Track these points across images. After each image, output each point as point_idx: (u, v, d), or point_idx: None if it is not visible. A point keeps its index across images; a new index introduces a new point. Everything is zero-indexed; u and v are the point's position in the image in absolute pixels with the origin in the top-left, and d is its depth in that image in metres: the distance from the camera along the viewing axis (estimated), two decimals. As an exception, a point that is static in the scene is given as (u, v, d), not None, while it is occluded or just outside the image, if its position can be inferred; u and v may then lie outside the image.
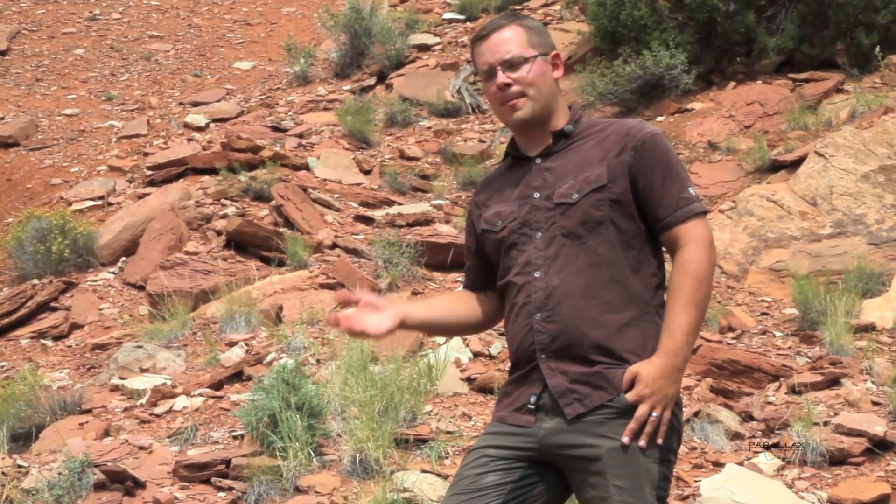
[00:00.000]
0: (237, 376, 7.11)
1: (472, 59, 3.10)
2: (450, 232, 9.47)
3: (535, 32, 3.04)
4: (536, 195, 2.98)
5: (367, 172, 11.64)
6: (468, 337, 7.19)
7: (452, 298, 3.18)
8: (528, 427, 2.91)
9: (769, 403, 6.50)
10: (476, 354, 7.02)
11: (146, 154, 12.78)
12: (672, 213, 2.91)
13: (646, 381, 2.80)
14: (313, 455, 5.70)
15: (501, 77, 2.97)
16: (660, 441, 2.81)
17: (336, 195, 10.55)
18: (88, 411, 7.00)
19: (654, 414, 2.80)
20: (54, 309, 9.49)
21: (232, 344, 7.74)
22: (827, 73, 11.68)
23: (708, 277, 2.87)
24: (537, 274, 2.92)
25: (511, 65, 2.98)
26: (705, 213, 2.96)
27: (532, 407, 2.91)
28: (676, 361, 2.82)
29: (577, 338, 2.85)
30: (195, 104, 14.89)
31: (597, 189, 2.91)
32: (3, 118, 14.70)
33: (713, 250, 2.91)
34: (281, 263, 9.08)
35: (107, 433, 6.57)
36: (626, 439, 2.79)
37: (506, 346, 3.09)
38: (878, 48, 11.26)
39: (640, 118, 11.02)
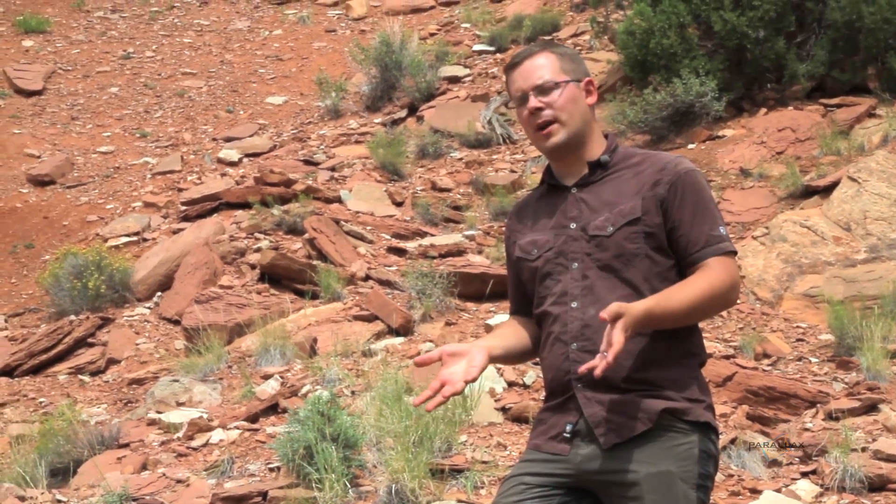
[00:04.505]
0: (272, 409, 7.14)
1: (506, 86, 3.11)
2: (482, 262, 9.48)
3: (568, 59, 3.05)
4: (573, 226, 2.98)
5: (399, 204, 11.69)
6: (502, 366, 7.20)
7: (510, 327, 3.16)
8: (564, 455, 2.91)
9: (806, 430, 6.46)
10: (510, 384, 7.02)
11: (180, 190, 12.89)
12: (701, 249, 2.90)
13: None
14: (349, 486, 5.70)
15: (533, 101, 2.98)
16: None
17: (368, 227, 10.59)
18: (126, 445, 7.04)
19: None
20: (91, 345, 9.56)
21: (267, 377, 7.77)
22: (858, 98, 11.64)
23: (722, 294, 2.86)
24: (574, 304, 2.92)
25: (543, 90, 2.99)
26: (735, 253, 2.95)
27: (567, 435, 2.91)
28: (654, 310, 2.77)
29: (612, 368, 2.84)
30: (228, 139, 15.00)
31: (630, 222, 2.91)
32: (39, 157, 14.87)
33: (735, 290, 2.90)
34: (314, 296, 9.12)
35: (144, 467, 6.61)
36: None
37: (540, 375, 3.08)
38: (909, 72, 11.23)
39: (670, 148, 11.06)
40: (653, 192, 2.94)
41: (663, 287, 2.88)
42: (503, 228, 3.23)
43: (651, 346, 2.87)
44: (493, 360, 3.01)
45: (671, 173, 2.95)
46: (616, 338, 2.66)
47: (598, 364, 2.67)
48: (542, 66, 3.02)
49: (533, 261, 3.04)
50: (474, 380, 2.86)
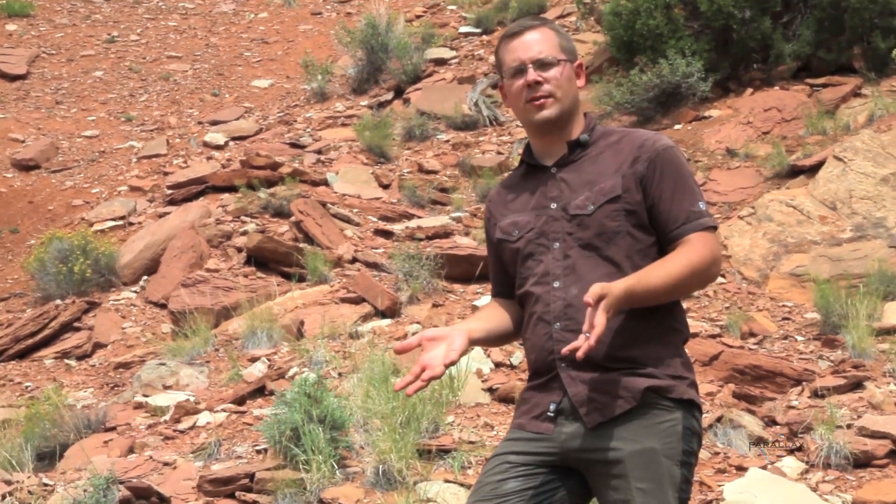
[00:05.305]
0: (259, 391, 7.14)
1: (499, 56, 3.05)
2: (469, 244, 9.48)
3: (565, 39, 3.05)
4: (553, 206, 2.97)
5: (385, 187, 11.67)
6: (489, 347, 7.21)
7: (492, 309, 3.15)
8: (548, 434, 2.91)
9: (792, 408, 6.49)
10: (497, 364, 7.03)
11: (166, 173, 12.85)
12: (681, 226, 2.90)
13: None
14: (336, 467, 5.71)
15: (532, 74, 2.95)
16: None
17: (355, 210, 10.58)
18: (113, 429, 7.05)
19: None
20: (77, 329, 9.54)
21: (254, 359, 7.77)
22: (844, 78, 11.65)
23: (703, 269, 2.86)
24: (556, 284, 2.92)
25: (543, 64, 2.96)
26: (715, 227, 2.95)
27: (551, 414, 2.91)
28: (635, 288, 2.78)
29: (596, 347, 2.84)
30: (214, 123, 14.95)
31: (611, 200, 2.91)
32: (23, 141, 14.81)
33: (716, 265, 2.90)
34: (301, 279, 9.11)
35: (131, 450, 6.61)
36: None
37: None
38: (894, 52, 11.23)
39: (656, 129, 11.06)
40: (632, 170, 2.93)
41: (645, 264, 2.88)
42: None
43: (634, 323, 2.87)
44: (474, 342, 3.00)
45: (650, 150, 2.95)
46: (598, 320, 2.66)
47: (581, 346, 2.67)
48: (544, 41, 2.99)
49: (514, 242, 3.03)
50: (454, 363, 2.85)
